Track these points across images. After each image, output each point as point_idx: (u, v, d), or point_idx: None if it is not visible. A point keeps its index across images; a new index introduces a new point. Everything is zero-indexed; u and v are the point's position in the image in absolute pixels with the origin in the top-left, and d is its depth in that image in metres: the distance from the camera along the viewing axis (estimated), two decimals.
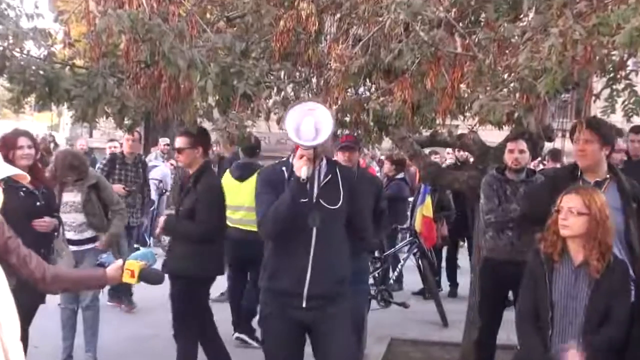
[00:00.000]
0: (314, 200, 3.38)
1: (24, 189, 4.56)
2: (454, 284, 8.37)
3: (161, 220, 4.81)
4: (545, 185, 4.42)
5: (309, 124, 3.22)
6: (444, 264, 8.72)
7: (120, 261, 3.00)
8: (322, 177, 3.48)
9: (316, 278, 3.41)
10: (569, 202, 3.21)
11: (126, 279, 2.96)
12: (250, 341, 6.12)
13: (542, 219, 3.40)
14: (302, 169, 3.24)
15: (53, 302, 5.34)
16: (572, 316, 3.19)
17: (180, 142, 4.73)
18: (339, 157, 5.01)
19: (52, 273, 2.83)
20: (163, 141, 12.16)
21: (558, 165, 8.82)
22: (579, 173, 3.87)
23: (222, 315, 6.26)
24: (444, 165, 9.17)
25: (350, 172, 3.91)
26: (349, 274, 3.59)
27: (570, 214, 3.19)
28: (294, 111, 3.24)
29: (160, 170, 10.02)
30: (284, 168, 3.52)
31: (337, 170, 3.56)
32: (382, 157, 13.70)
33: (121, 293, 6.94)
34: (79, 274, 3.27)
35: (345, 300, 3.56)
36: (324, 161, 3.55)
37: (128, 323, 6.73)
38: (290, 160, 3.49)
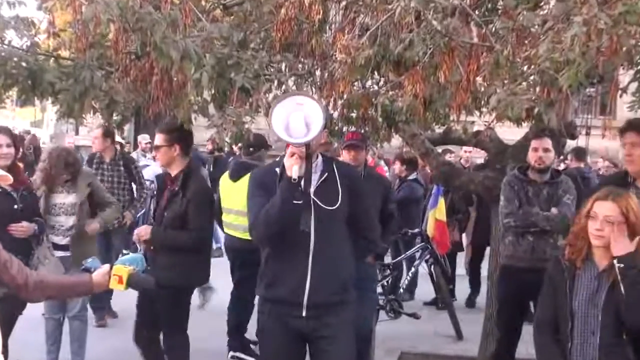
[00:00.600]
0: (310, 201, 3.38)
1: None
2: (475, 291, 8.29)
3: (144, 230, 4.68)
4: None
5: (299, 119, 3.22)
6: (458, 271, 8.69)
7: (107, 266, 3.01)
8: (317, 175, 3.47)
9: (316, 285, 3.42)
10: (605, 210, 3.20)
11: (113, 285, 2.97)
12: (246, 357, 6.12)
13: None
14: (293, 168, 3.24)
15: (36, 312, 5.35)
16: (594, 325, 3.20)
17: (157, 139, 4.72)
18: (345, 156, 5.02)
19: (35, 279, 2.84)
20: (143, 139, 11.79)
21: (582, 165, 8.80)
22: (631, 179, 3.87)
23: (216, 328, 6.29)
24: (467, 165, 9.14)
25: (350, 168, 3.90)
26: (352, 279, 3.59)
27: (607, 224, 3.18)
28: (281, 106, 3.24)
29: (152, 170, 9.99)
30: (277, 169, 3.52)
31: (335, 168, 3.56)
32: (384, 157, 13.70)
33: (97, 304, 6.88)
34: (63, 280, 3.28)
35: (348, 308, 3.56)
36: (319, 158, 3.54)
37: (114, 335, 6.73)
38: (283, 160, 3.47)
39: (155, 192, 4.98)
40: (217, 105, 4.14)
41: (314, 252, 3.42)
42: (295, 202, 3.30)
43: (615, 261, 3.13)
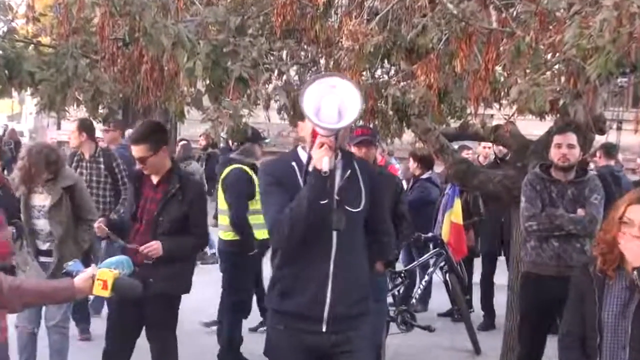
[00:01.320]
0: (335, 201, 3.28)
1: None
2: (489, 315, 8.20)
3: (155, 247, 4.52)
4: None
5: (331, 103, 3.12)
6: (475, 279, 8.67)
7: (90, 270, 3.00)
8: (340, 172, 3.38)
9: (338, 296, 3.35)
10: None
11: (97, 291, 2.96)
12: None
13: None
14: (322, 160, 3.12)
15: (10, 323, 5.35)
16: (625, 339, 3.20)
17: (139, 151, 4.51)
18: (354, 153, 5.01)
19: (11, 285, 2.84)
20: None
21: (612, 163, 8.78)
22: None
23: (209, 344, 6.29)
24: (485, 162, 9.11)
25: (369, 165, 3.84)
26: (369, 290, 3.56)
27: None
28: (313, 88, 3.13)
29: None
30: (293, 162, 3.42)
31: (355, 164, 3.48)
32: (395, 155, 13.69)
33: (80, 315, 6.86)
34: (42, 285, 3.24)
35: (368, 320, 3.53)
36: (340, 154, 3.41)
37: (100, 350, 6.73)
38: (299, 152, 3.44)
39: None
40: (212, 97, 4.16)
41: (335, 259, 3.34)
42: (321, 201, 3.22)
43: (635, 272, 3.13)
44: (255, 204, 5.76)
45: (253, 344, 6.04)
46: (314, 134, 3.21)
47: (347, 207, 3.32)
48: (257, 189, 5.75)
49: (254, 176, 5.89)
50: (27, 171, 5.28)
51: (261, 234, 5.79)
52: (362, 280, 3.48)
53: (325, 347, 3.42)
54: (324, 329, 3.37)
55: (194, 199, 4.59)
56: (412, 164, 8.56)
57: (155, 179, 4.63)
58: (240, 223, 5.95)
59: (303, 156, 3.38)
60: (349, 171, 3.40)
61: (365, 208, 3.40)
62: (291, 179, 3.36)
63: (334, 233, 3.29)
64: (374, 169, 3.99)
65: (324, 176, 3.14)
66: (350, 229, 3.33)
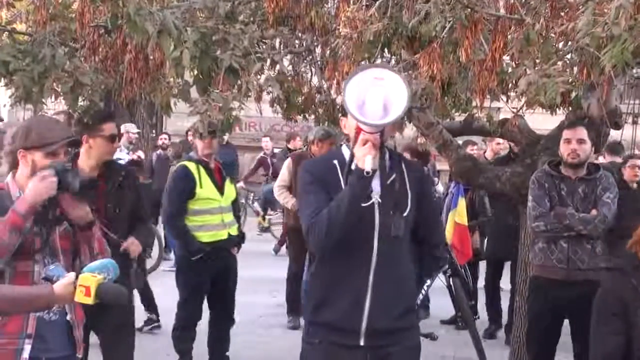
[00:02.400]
0: (378, 203, 3.27)
1: None
2: (495, 322, 8.22)
3: (133, 244, 4.54)
4: None
5: (376, 97, 3.09)
6: (480, 284, 8.68)
7: (72, 275, 2.98)
8: (387, 172, 3.35)
9: (378, 306, 3.32)
10: None
11: (79, 297, 2.93)
12: None
13: None
14: (366, 159, 3.09)
15: None
16: None
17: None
18: None
19: None
20: (129, 128, 11.73)
21: (619, 160, 8.79)
22: None
23: None
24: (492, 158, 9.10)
25: (418, 168, 3.78)
26: (415, 302, 3.51)
27: None
28: (357, 80, 3.10)
29: None
30: (335, 160, 3.38)
31: (403, 166, 3.44)
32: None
33: None
34: (18, 291, 3.22)
35: (414, 335, 3.49)
36: (387, 153, 3.39)
37: None
38: (343, 150, 3.41)
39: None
40: (200, 89, 4.15)
41: (376, 267, 3.31)
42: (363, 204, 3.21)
43: None
44: (195, 204, 5.68)
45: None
46: (358, 131, 3.16)
47: (390, 212, 3.30)
48: (197, 188, 5.63)
49: (197, 174, 5.68)
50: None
51: (205, 236, 5.69)
52: (407, 290, 3.44)
53: None
54: (361, 343, 3.32)
55: (136, 186, 4.68)
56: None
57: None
58: (167, 221, 5.93)
59: (347, 154, 3.32)
60: (396, 172, 3.37)
61: (410, 214, 3.36)
62: (332, 178, 3.33)
63: (375, 238, 3.28)
64: (425, 172, 3.94)
65: (366, 176, 3.11)
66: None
